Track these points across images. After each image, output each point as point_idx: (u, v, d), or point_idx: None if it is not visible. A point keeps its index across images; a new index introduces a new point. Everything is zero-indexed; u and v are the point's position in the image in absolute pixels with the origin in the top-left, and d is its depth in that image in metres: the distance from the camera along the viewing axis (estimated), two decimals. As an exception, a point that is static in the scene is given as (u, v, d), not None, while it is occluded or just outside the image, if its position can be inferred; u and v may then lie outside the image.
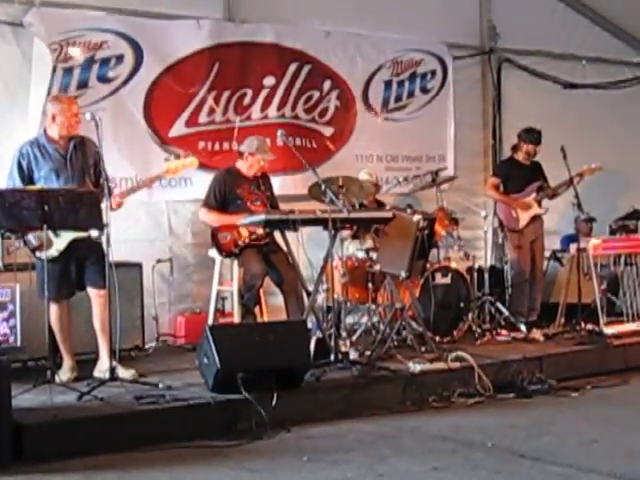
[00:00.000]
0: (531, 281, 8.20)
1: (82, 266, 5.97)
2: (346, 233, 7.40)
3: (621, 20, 10.15)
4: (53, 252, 5.78)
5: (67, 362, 6.07)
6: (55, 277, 5.77)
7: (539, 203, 8.20)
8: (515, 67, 9.66)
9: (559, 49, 9.74)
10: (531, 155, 8.22)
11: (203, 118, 7.79)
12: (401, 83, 8.94)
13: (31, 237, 5.78)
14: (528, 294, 8.17)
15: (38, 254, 5.82)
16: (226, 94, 7.89)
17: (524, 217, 8.12)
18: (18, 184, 5.86)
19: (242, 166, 7.14)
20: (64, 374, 5.94)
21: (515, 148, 8.34)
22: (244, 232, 6.86)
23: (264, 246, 6.93)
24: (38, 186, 5.79)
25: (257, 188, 7.11)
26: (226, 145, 7.87)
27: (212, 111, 7.82)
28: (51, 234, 5.69)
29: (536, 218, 8.21)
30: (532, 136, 8.18)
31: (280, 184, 7.88)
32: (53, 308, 5.89)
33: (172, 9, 7.59)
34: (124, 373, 5.80)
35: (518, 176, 8.22)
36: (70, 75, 7.11)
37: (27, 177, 5.92)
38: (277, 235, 6.87)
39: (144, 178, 6.47)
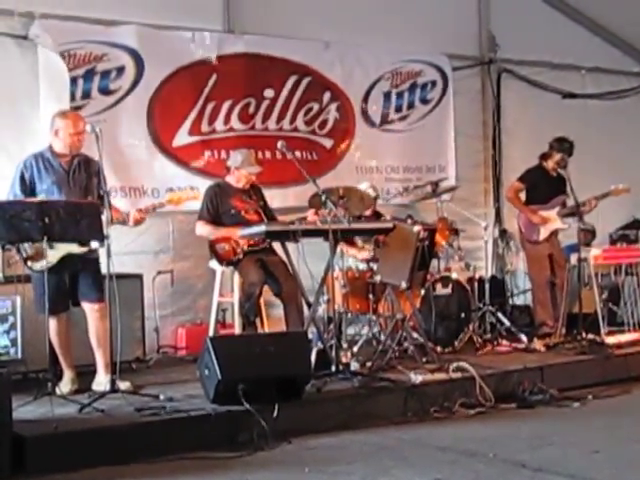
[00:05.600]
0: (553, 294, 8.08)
1: (75, 281, 5.95)
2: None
3: (620, 30, 10.18)
4: (44, 264, 5.66)
5: (68, 374, 6.06)
6: (49, 290, 5.61)
7: (561, 218, 8.02)
8: (515, 77, 9.67)
9: (558, 59, 9.77)
10: (560, 165, 8.00)
11: (205, 127, 7.83)
12: (400, 94, 8.94)
13: (27, 246, 5.73)
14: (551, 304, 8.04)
15: (30, 264, 5.79)
16: (227, 104, 7.91)
17: (545, 230, 8.00)
18: (19, 196, 5.85)
19: (231, 180, 7.22)
20: (65, 386, 5.93)
21: (545, 156, 8.15)
22: (241, 240, 6.87)
23: (262, 251, 6.94)
24: (39, 197, 5.78)
25: (249, 198, 7.17)
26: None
27: (212, 120, 7.84)
28: (45, 245, 5.63)
29: (555, 232, 8.08)
30: (564, 146, 8.04)
31: (281, 196, 7.90)
32: (51, 322, 5.85)
33: (173, 21, 7.61)
34: (120, 386, 5.75)
35: (544, 186, 8.07)
36: (75, 85, 7.15)
37: (29, 189, 5.91)
38: (276, 245, 6.87)
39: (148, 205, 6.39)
